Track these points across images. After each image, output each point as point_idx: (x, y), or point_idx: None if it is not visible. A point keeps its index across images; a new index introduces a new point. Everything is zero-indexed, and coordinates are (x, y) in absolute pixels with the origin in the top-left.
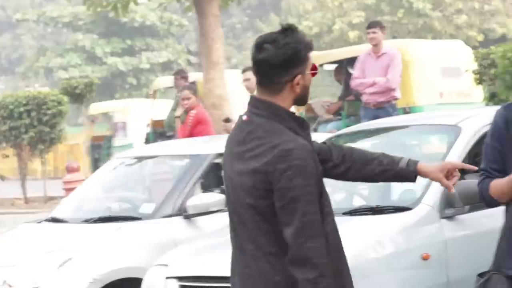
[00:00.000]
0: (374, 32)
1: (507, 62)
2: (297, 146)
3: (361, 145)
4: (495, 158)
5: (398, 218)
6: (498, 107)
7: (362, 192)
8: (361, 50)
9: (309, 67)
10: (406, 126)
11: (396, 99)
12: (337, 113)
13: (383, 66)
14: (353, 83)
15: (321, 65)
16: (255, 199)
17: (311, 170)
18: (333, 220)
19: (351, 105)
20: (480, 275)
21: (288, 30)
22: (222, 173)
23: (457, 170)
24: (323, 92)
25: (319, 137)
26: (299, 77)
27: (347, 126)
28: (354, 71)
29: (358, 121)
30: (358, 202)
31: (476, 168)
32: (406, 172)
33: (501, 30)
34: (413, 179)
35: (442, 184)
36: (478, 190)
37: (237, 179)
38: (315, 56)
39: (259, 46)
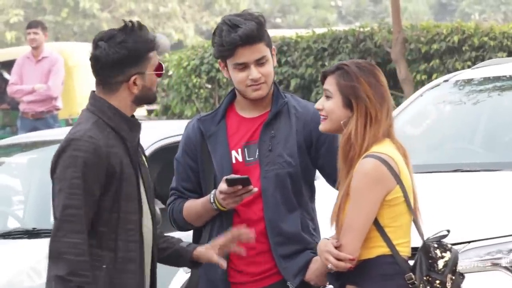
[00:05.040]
0: (35, 33)
1: (183, 71)
2: (83, 137)
3: (16, 160)
4: (188, 177)
5: None
6: (171, 121)
7: (18, 213)
8: (19, 52)
9: (151, 67)
10: None
11: (58, 109)
12: None
13: (43, 72)
14: (10, 89)
15: None
16: None
17: (91, 164)
18: (137, 233)
19: (7, 114)
20: None
21: (128, 27)
22: None
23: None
24: None
25: None
26: (135, 77)
27: (2, 138)
28: (11, 76)
29: (15, 132)
30: (13, 224)
31: None
32: (184, 251)
33: (177, 36)
34: (187, 262)
35: (213, 262)
36: (168, 212)
37: None
38: None
39: (95, 42)
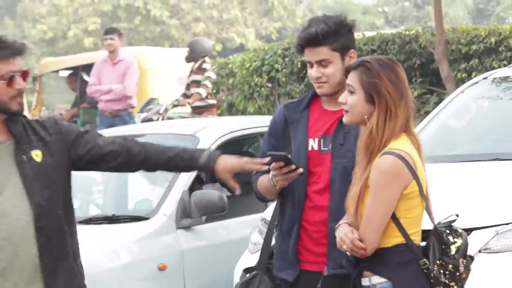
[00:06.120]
0: (111, 39)
1: (245, 72)
2: None
3: None
4: None
5: (135, 228)
6: (235, 117)
7: (98, 201)
8: (97, 56)
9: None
10: (143, 135)
11: (132, 107)
12: (72, 120)
13: (119, 74)
14: (89, 90)
15: (56, 71)
16: None
17: None
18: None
19: (87, 112)
20: (246, 270)
21: None
22: None
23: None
24: (59, 99)
25: None
26: None
27: None
28: (91, 78)
29: (94, 129)
30: (93, 211)
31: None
32: (206, 168)
33: (239, 40)
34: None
35: (229, 185)
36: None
37: None
38: (49, 62)
39: None
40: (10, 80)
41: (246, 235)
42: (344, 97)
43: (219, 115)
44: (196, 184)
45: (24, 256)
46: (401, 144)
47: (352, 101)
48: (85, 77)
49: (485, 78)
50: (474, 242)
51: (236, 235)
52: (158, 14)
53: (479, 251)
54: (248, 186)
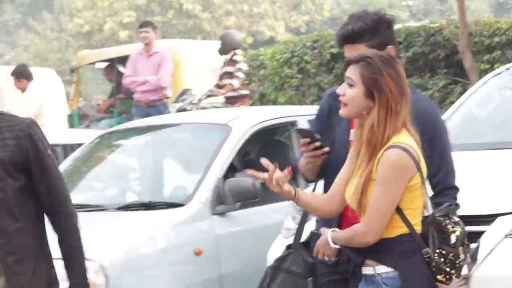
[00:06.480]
0: (146, 32)
1: (276, 63)
2: None
3: (133, 142)
4: None
5: (171, 214)
6: (267, 107)
7: (135, 188)
8: (132, 49)
9: None
10: (178, 124)
11: (167, 97)
12: (108, 111)
13: (154, 65)
14: (125, 81)
15: (92, 63)
16: None
17: None
18: None
19: (123, 103)
20: (289, 247)
21: None
22: None
23: None
24: (96, 90)
25: (92, 134)
26: None
27: (119, 123)
28: (126, 70)
29: (130, 118)
30: (131, 198)
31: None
32: None
33: (269, 33)
34: None
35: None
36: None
37: None
38: (86, 55)
39: None
40: None
41: (279, 221)
42: (342, 89)
43: (251, 105)
44: (230, 172)
45: None
46: (404, 137)
47: (351, 94)
48: (121, 68)
49: (508, 69)
50: (500, 228)
51: (269, 221)
52: (190, 8)
53: (506, 236)
54: None
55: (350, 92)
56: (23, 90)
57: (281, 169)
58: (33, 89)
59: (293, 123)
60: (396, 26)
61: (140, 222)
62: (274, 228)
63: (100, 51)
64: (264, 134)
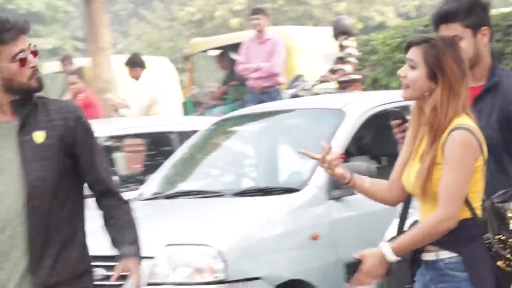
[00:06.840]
0: (258, 19)
1: (387, 48)
2: None
3: (247, 128)
4: None
5: (287, 199)
6: (380, 92)
7: (251, 174)
8: (243, 36)
9: (5, 58)
10: (292, 110)
11: (280, 84)
12: (222, 98)
13: (267, 52)
14: (238, 68)
15: (204, 51)
16: None
17: None
18: None
19: (236, 90)
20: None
21: None
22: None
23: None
24: (208, 78)
25: (206, 121)
26: None
27: (233, 110)
28: (239, 57)
29: (243, 105)
30: (247, 184)
31: None
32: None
33: (379, 18)
34: None
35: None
36: None
37: None
38: (199, 43)
39: None
40: (22, 60)
41: None
42: (404, 70)
43: (364, 90)
44: (345, 157)
45: (18, 236)
46: (466, 120)
47: (413, 76)
48: (234, 56)
49: None
50: None
51: (383, 205)
52: None
53: None
54: (395, 158)
55: (412, 74)
56: (137, 78)
57: (394, 156)
58: (147, 78)
59: (406, 108)
60: (506, 9)
61: (256, 207)
62: (390, 212)
63: (212, 38)
64: (377, 119)
